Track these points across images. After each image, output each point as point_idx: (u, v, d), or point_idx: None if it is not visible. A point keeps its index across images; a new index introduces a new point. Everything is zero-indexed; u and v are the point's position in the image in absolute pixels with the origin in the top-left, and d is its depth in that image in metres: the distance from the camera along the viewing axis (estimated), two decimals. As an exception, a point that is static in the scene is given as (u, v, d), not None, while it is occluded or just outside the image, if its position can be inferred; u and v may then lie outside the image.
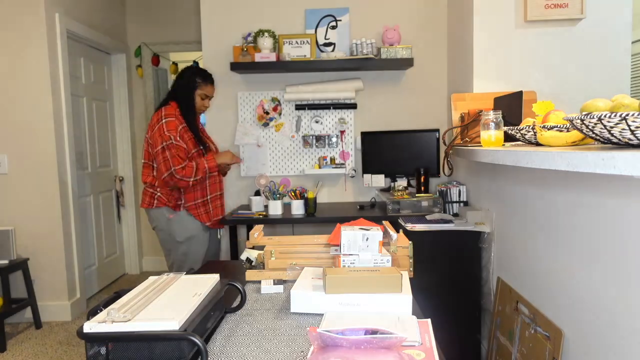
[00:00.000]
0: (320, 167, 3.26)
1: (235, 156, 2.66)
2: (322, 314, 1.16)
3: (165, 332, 0.88)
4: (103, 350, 0.89)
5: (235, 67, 3.09)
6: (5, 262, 3.01)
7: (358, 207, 3.00)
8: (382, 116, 3.32)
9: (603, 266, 1.33)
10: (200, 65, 3.07)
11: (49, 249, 3.26)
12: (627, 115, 0.90)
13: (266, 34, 3.09)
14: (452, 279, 2.42)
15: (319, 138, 3.27)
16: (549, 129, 1.38)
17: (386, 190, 3.15)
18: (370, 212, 2.83)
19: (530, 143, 1.58)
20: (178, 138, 2.37)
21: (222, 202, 2.71)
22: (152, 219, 2.57)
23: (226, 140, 3.36)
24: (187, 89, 2.50)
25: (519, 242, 1.95)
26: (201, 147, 2.52)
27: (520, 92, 2.00)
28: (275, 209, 2.84)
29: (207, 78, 2.54)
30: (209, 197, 2.57)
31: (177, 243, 2.55)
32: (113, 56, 4.26)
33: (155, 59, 4.42)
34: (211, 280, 1.16)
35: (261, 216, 2.79)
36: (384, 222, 1.66)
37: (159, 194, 2.48)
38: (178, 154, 2.36)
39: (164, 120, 2.37)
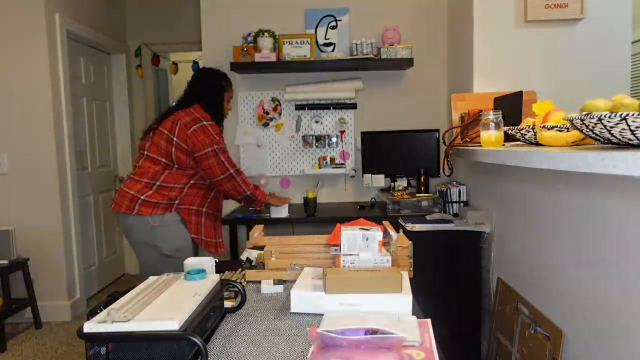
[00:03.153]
0: (320, 167, 3.26)
1: (283, 200, 2.68)
2: (322, 314, 1.16)
3: (165, 332, 0.88)
4: (103, 350, 0.89)
5: (235, 67, 3.09)
6: (5, 262, 3.01)
7: (358, 207, 3.00)
8: (382, 116, 3.32)
9: (603, 266, 1.33)
10: (200, 65, 3.05)
11: (49, 249, 3.26)
12: (627, 115, 0.90)
13: (266, 34, 3.09)
14: (452, 279, 2.42)
15: (319, 138, 3.27)
16: (549, 129, 1.38)
17: (386, 190, 3.15)
18: (370, 212, 2.83)
19: (530, 143, 1.58)
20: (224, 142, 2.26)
21: (215, 225, 2.34)
22: (129, 228, 2.17)
23: (226, 139, 3.35)
24: (217, 93, 2.35)
25: (519, 242, 1.95)
26: None
27: (520, 92, 2.00)
28: (280, 211, 2.79)
29: (229, 81, 2.43)
30: (204, 209, 2.26)
31: (164, 258, 2.18)
32: (113, 56, 4.26)
33: (155, 59, 4.42)
34: (211, 280, 1.16)
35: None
36: (384, 222, 1.66)
37: (142, 197, 2.11)
38: (229, 157, 2.24)
39: (205, 123, 2.19)
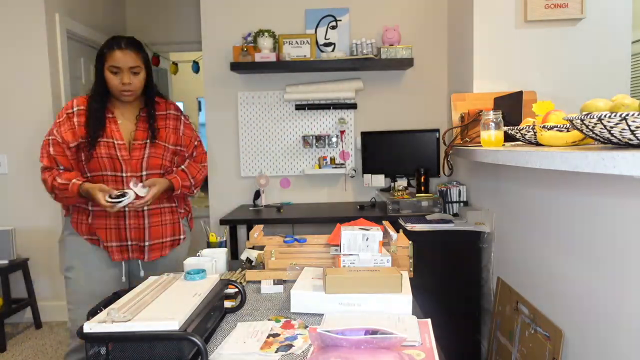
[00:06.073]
0: (320, 167, 3.26)
1: (106, 201, 1.63)
2: (322, 314, 1.16)
3: (165, 332, 0.88)
4: (103, 350, 0.89)
5: (235, 67, 3.08)
6: (5, 262, 3.01)
7: (358, 207, 3.00)
8: (382, 116, 3.32)
9: (603, 266, 1.33)
10: (200, 65, 2.99)
11: (49, 249, 3.26)
12: (627, 115, 0.90)
13: (266, 34, 3.09)
14: (452, 279, 2.42)
15: (319, 138, 3.27)
16: (549, 129, 1.38)
17: (386, 190, 3.15)
18: (370, 212, 2.83)
19: (530, 143, 1.58)
20: (54, 131, 1.75)
21: (135, 226, 1.79)
22: None
23: (227, 139, 3.36)
24: (98, 69, 1.80)
25: (519, 242, 1.95)
26: (89, 138, 1.73)
27: (520, 92, 2.00)
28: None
29: (111, 44, 1.76)
30: (92, 207, 1.79)
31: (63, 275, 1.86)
32: (113, 56, 4.25)
33: (155, 59, 4.41)
34: (211, 280, 1.16)
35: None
36: (384, 222, 1.66)
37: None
38: (45, 148, 1.76)
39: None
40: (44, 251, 3.26)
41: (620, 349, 1.27)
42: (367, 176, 3.14)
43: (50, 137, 1.77)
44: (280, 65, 3.09)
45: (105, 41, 1.82)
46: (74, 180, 1.72)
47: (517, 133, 1.61)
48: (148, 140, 1.80)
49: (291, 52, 3.15)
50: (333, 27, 3.25)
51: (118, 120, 1.81)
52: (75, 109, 1.79)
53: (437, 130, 3.08)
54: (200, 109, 6.59)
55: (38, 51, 3.15)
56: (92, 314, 0.97)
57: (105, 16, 3.99)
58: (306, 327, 1.11)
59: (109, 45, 1.76)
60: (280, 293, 1.39)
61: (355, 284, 1.16)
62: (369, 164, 3.15)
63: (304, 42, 3.18)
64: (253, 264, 1.63)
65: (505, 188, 2.11)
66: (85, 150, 1.74)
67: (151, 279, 1.18)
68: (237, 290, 1.26)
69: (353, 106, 3.27)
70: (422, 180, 2.84)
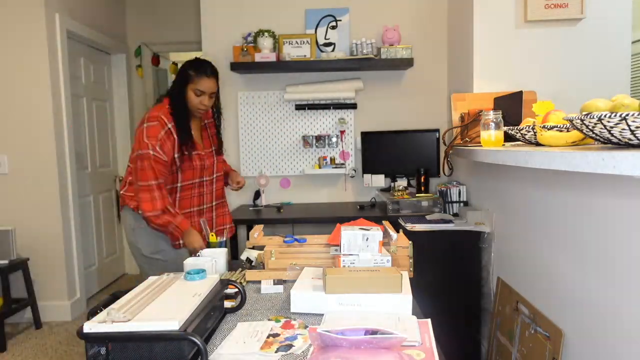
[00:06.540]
0: (320, 167, 3.26)
1: (202, 245, 1.92)
2: (322, 314, 1.16)
3: (165, 332, 0.88)
4: (103, 350, 0.89)
5: (235, 67, 3.09)
6: (5, 262, 3.01)
7: (358, 207, 3.00)
8: (382, 116, 3.32)
9: (603, 266, 1.33)
10: None
11: (49, 249, 3.26)
12: (627, 115, 0.90)
13: (266, 34, 3.09)
14: (452, 279, 2.42)
15: (319, 138, 3.27)
16: (549, 129, 1.38)
17: (386, 190, 3.15)
18: (370, 212, 2.82)
19: (530, 143, 1.58)
20: (157, 148, 1.89)
21: (210, 217, 2.16)
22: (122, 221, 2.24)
23: (227, 139, 3.35)
24: (180, 84, 2.01)
25: (519, 242, 1.95)
26: (185, 153, 1.98)
27: (520, 92, 2.00)
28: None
29: (200, 69, 1.98)
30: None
31: (143, 257, 2.04)
32: (113, 56, 4.26)
33: (155, 59, 4.42)
34: (211, 280, 1.16)
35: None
36: (384, 222, 1.66)
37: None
38: (151, 166, 1.89)
39: (145, 125, 1.94)
40: (44, 251, 3.26)
41: (620, 349, 1.27)
42: (367, 176, 3.14)
43: (152, 153, 1.89)
44: (280, 65, 3.09)
45: (190, 62, 2.02)
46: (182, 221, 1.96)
47: (517, 133, 1.61)
48: (213, 149, 2.15)
49: (291, 52, 3.15)
50: (333, 27, 3.25)
51: (193, 132, 2.06)
52: (169, 125, 1.96)
53: (437, 130, 3.08)
54: (200, 109, 6.59)
55: (38, 51, 3.15)
56: (92, 314, 0.97)
57: (105, 16, 3.99)
58: (306, 327, 1.11)
59: (197, 70, 1.98)
60: (280, 293, 1.39)
61: (355, 284, 1.16)
62: (369, 164, 3.15)
63: (304, 42, 3.18)
64: (253, 264, 1.63)
65: (505, 188, 2.11)
66: (182, 162, 1.98)
67: (151, 279, 1.18)
68: (237, 290, 1.27)
69: (353, 106, 3.27)
70: (422, 180, 2.84)
